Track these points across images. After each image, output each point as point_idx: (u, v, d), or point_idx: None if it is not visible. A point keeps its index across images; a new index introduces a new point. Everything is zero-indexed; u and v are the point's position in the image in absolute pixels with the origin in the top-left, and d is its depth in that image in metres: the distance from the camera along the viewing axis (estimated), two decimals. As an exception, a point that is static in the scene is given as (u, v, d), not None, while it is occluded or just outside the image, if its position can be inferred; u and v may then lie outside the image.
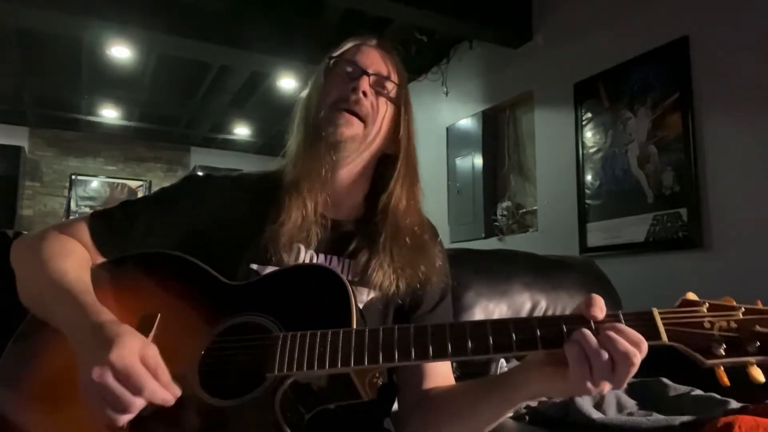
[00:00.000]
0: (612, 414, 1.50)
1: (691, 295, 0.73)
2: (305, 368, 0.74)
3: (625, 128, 3.12)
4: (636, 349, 0.68)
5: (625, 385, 0.69)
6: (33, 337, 0.88)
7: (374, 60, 1.03)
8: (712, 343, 0.68)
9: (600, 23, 3.32)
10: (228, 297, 0.87)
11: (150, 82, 5.76)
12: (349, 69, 1.01)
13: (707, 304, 0.70)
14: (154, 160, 7.98)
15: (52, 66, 5.46)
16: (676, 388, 1.59)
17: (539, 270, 1.91)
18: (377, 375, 0.78)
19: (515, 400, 0.80)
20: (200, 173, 1.09)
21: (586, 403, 1.46)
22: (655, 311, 0.71)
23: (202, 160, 7.87)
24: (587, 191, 3.32)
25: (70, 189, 7.51)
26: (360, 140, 0.98)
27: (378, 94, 1.01)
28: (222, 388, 0.77)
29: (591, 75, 3.32)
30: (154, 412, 0.73)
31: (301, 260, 0.96)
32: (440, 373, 0.98)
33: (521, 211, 3.99)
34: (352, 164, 1.00)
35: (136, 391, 0.69)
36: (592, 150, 3.32)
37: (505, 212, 4.04)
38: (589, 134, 3.35)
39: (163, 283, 0.89)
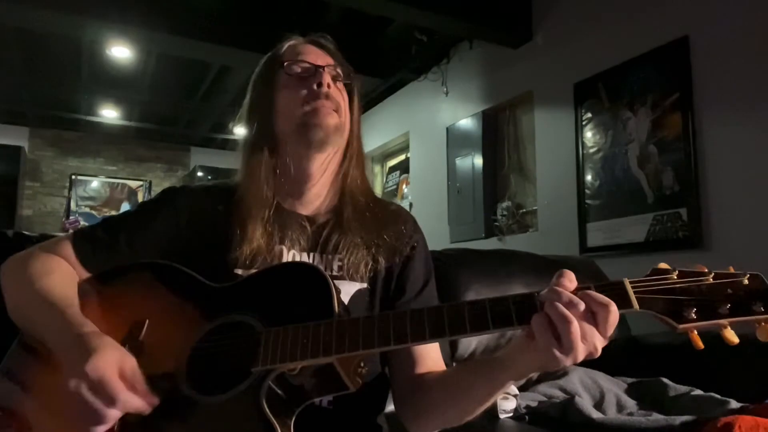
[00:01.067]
0: (612, 414, 1.50)
1: (663, 265, 0.74)
2: (288, 360, 0.75)
3: (625, 128, 3.12)
4: (603, 309, 0.68)
5: (599, 351, 0.69)
6: (32, 346, 0.90)
7: (317, 55, 1.04)
8: (683, 308, 0.69)
9: (600, 23, 3.32)
10: (213, 299, 0.88)
11: (150, 82, 5.76)
12: (301, 69, 1.02)
13: (677, 271, 0.71)
14: (154, 160, 7.98)
15: (52, 66, 5.46)
16: (676, 388, 1.59)
17: (539, 270, 1.91)
18: (361, 364, 0.79)
19: (502, 379, 0.81)
20: (177, 185, 1.12)
21: (586, 403, 1.47)
22: (626, 281, 0.72)
23: (202, 160, 7.87)
24: (587, 191, 3.32)
25: (70, 189, 7.51)
26: (341, 130, 1.01)
27: (336, 83, 1.03)
28: (210, 386, 0.79)
29: (591, 75, 3.32)
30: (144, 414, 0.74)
31: (285, 261, 0.98)
32: (430, 358, 1.00)
33: (521, 211, 3.99)
34: (326, 158, 1.02)
35: (110, 402, 0.71)
36: (592, 150, 3.32)
37: (505, 212, 4.04)
38: (589, 134, 3.35)
39: (150, 290, 0.92)
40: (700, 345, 0.69)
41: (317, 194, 1.04)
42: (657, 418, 1.35)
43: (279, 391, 0.77)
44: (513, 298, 0.72)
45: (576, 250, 3.29)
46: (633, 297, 0.70)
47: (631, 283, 0.72)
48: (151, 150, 7.94)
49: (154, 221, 1.01)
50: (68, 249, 0.97)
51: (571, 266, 2.20)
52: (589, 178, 3.32)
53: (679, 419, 1.27)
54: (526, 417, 1.48)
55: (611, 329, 0.68)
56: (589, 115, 3.35)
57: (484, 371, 0.84)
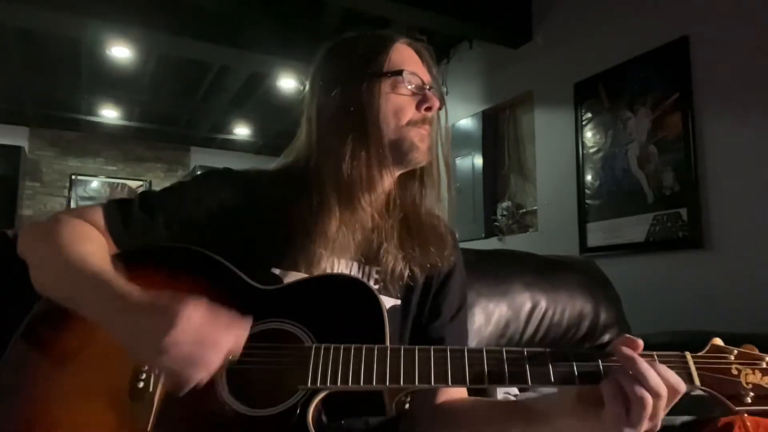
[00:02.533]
0: (612, 414, 1.50)
1: (718, 341, 0.76)
2: (339, 383, 0.73)
3: (625, 128, 3.12)
4: (674, 393, 0.68)
5: (658, 426, 0.70)
6: (46, 329, 0.83)
7: (425, 68, 1.00)
8: (741, 391, 0.71)
9: (600, 23, 3.32)
10: (257, 301, 0.84)
11: (150, 82, 5.76)
12: (412, 83, 0.97)
13: (735, 352, 0.74)
14: (154, 160, 7.98)
15: (52, 66, 5.46)
16: (676, 388, 1.58)
17: (539, 270, 1.90)
18: (407, 395, 0.79)
19: (539, 430, 0.78)
20: (220, 168, 1.03)
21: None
22: (688, 355, 0.73)
23: (202, 160, 7.87)
24: (587, 191, 3.32)
25: (70, 189, 7.51)
26: (432, 152, 0.99)
27: (439, 105, 1.00)
28: (250, 396, 0.76)
29: (591, 75, 3.32)
30: (180, 415, 0.72)
31: (322, 267, 0.92)
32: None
33: (521, 211, 3.99)
34: (424, 166, 1.00)
35: (213, 346, 0.69)
36: (592, 150, 3.32)
37: (505, 212, 4.03)
38: (589, 134, 3.35)
39: (188, 280, 0.85)
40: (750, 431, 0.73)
41: (385, 206, 0.99)
42: (657, 418, 1.34)
43: (321, 409, 0.76)
44: (575, 356, 0.72)
45: (576, 250, 3.29)
46: (696, 374, 0.72)
47: (693, 357, 0.73)
48: (151, 150, 7.93)
49: (193, 205, 0.94)
50: (99, 217, 0.89)
51: (571, 266, 2.19)
52: (589, 178, 3.32)
53: (679, 419, 1.27)
54: (526, 417, 1.48)
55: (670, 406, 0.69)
56: (589, 115, 3.35)
57: (526, 419, 0.80)
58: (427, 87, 0.98)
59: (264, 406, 0.75)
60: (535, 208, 3.82)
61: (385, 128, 0.94)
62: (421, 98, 0.97)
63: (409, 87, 0.96)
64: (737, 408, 0.70)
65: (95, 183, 7.68)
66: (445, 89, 4.63)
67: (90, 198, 7.57)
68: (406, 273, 0.95)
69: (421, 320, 0.99)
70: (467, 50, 4.44)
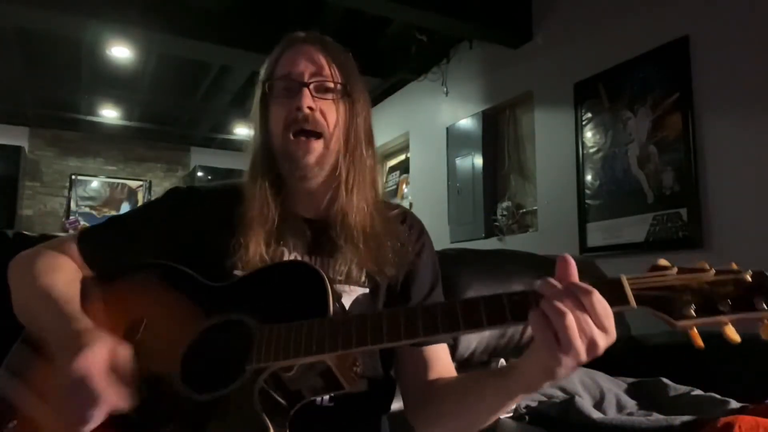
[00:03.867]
0: (612, 414, 1.50)
1: (663, 261, 0.72)
2: (281, 357, 0.75)
3: (625, 128, 3.12)
4: (587, 296, 0.66)
5: (600, 346, 0.67)
6: (34, 342, 0.89)
7: (308, 62, 0.98)
8: (682, 305, 0.67)
9: (600, 23, 3.32)
10: (210, 297, 0.89)
11: (150, 82, 5.76)
12: (286, 85, 0.97)
13: (677, 268, 0.69)
14: (154, 160, 7.98)
15: (52, 66, 5.46)
16: (676, 388, 1.59)
17: (539, 270, 1.90)
18: (356, 362, 0.79)
19: (512, 390, 0.79)
20: (183, 186, 1.11)
21: (586, 403, 1.47)
22: (623, 277, 0.70)
23: (202, 160, 7.87)
24: (587, 191, 3.32)
25: (70, 189, 7.51)
26: (324, 156, 0.97)
27: (323, 99, 0.97)
28: (205, 384, 0.79)
29: (591, 75, 3.32)
30: (134, 409, 0.74)
31: None
32: (440, 362, 0.99)
33: (521, 211, 3.99)
34: (321, 174, 0.99)
35: (92, 402, 0.70)
36: (592, 150, 3.32)
37: (505, 212, 4.04)
38: (589, 134, 3.35)
39: (150, 289, 0.92)
40: (700, 343, 0.67)
41: (319, 199, 1.02)
42: (657, 418, 1.35)
43: (273, 390, 0.77)
44: (508, 294, 0.71)
45: (576, 250, 3.29)
46: (630, 294, 0.68)
47: (629, 279, 0.70)
48: (151, 150, 7.94)
49: (159, 222, 1.01)
50: (73, 248, 0.98)
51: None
52: (589, 178, 3.32)
53: (679, 419, 1.27)
54: (526, 417, 1.48)
55: (605, 319, 0.66)
56: (589, 115, 3.35)
57: (495, 381, 0.83)
58: (306, 86, 0.95)
59: (217, 389, 0.77)
60: (535, 208, 3.82)
61: (266, 139, 0.99)
62: (290, 98, 0.96)
63: (282, 89, 0.97)
64: (679, 323, 0.66)
65: (95, 183, 7.68)
66: (444, 89, 4.63)
67: (90, 198, 7.57)
68: (372, 268, 0.97)
69: (392, 305, 1.01)
70: (467, 50, 4.44)
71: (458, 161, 4.43)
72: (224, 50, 4.28)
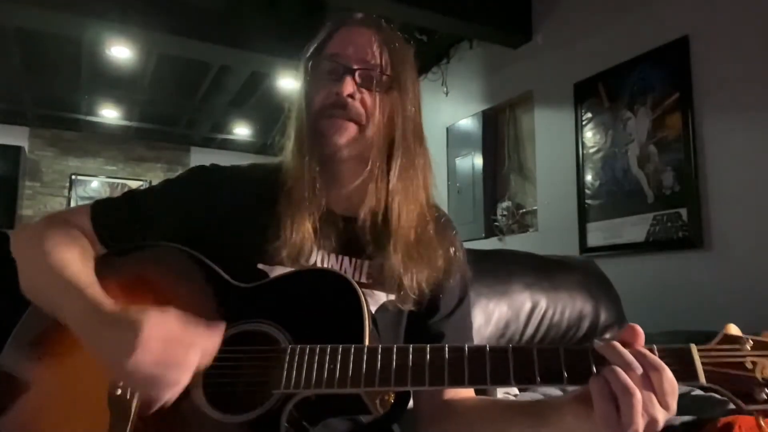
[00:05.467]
0: (612, 414, 1.50)
1: (733, 329, 0.65)
2: (313, 387, 0.70)
3: (625, 128, 3.12)
4: (656, 374, 0.61)
5: (660, 423, 0.63)
6: (36, 334, 0.85)
7: (359, 47, 0.92)
8: (754, 387, 0.61)
9: (600, 23, 3.32)
10: (235, 301, 0.82)
11: (150, 82, 5.76)
12: (332, 67, 0.91)
13: (751, 342, 0.64)
14: (154, 160, 7.98)
15: (52, 66, 5.46)
16: (676, 388, 1.58)
17: (539, 270, 1.90)
18: (389, 393, 0.74)
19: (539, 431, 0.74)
20: (207, 164, 1.03)
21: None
22: (693, 348, 0.64)
23: (202, 160, 7.80)
24: (587, 191, 3.32)
25: (70, 189, 7.51)
26: (358, 141, 0.90)
27: (368, 88, 0.91)
28: (227, 402, 0.74)
29: (591, 75, 3.32)
30: (157, 424, 0.71)
31: (312, 262, 0.90)
32: None
33: (521, 211, 3.99)
34: (355, 161, 0.91)
35: (180, 363, 0.68)
36: (592, 150, 3.32)
37: (505, 212, 4.03)
38: (589, 134, 3.35)
39: (169, 280, 0.86)
40: (766, 428, 0.62)
41: (352, 194, 0.94)
42: (657, 418, 1.34)
43: (297, 414, 0.73)
44: (565, 350, 0.65)
45: (576, 250, 3.29)
46: (700, 369, 0.63)
47: (699, 351, 0.64)
48: (151, 150, 7.93)
49: (179, 201, 0.94)
50: (85, 220, 0.91)
51: (571, 266, 2.19)
52: (589, 178, 3.32)
53: (679, 419, 1.27)
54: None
55: (670, 398, 0.61)
56: (589, 115, 3.35)
57: (529, 418, 0.77)
58: (351, 73, 0.90)
59: (240, 411, 0.73)
60: (535, 208, 3.82)
61: (306, 117, 0.92)
62: (333, 82, 0.90)
63: (326, 70, 0.91)
64: (748, 407, 0.61)
65: (95, 183, 7.68)
66: (444, 89, 4.63)
67: (90, 198, 7.57)
68: (403, 275, 0.89)
69: (419, 316, 0.95)
70: (467, 50, 4.44)
71: (458, 161, 4.43)
72: (224, 50, 4.28)
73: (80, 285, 0.78)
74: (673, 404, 0.63)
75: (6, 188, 6.79)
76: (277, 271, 0.87)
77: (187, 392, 0.72)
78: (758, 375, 0.62)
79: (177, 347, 0.68)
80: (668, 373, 0.61)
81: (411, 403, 0.96)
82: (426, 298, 0.93)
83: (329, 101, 0.90)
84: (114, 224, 0.92)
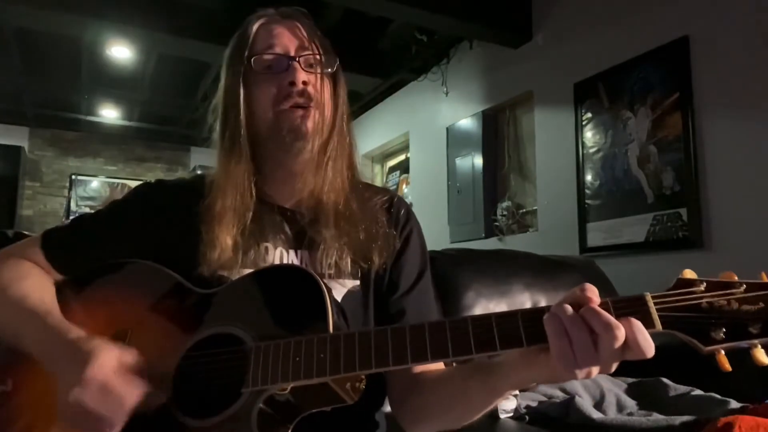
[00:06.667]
0: (612, 414, 1.50)
1: (689, 273, 0.66)
2: (280, 381, 0.70)
3: (625, 128, 3.12)
4: (606, 331, 0.61)
5: (613, 369, 0.63)
6: (7, 361, 0.86)
7: (290, 35, 0.93)
8: (711, 327, 0.61)
9: (600, 23, 3.32)
10: (198, 307, 0.83)
11: (150, 82, 5.76)
12: (271, 61, 0.91)
13: (705, 283, 0.64)
14: (154, 160, 7.98)
15: (52, 66, 5.46)
16: (676, 388, 1.59)
17: (539, 270, 1.91)
18: (360, 378, 0.74)
19: (502, 388, 0.75)
20: (152, 180, 1.04)
21: (586, 403, 1.46)
22: (648, 296, 0.64)
23: (202, 160, 7.87)
24: (587, 191, 3.32)
25: (70, 189, 7.51)
26: (320, 129, 0.91)
27: (313, 73, 0.91)
28: (198, 407, 0.74)
29: (591, 75, 3.32)
30: None
31: (270, 260, 0.91)
32: None
33: (521, 211, 3.99)
34: (308, 155, 0.92)
35: (118, 405, 0.69)
36: (592, 150, 3.32)
37: (505, 212, 4.04)
38: (589, 134, 3.35)
39: (132, 294, 0.87)
40: (728, 367, 0.61)
41: (300, 188, 0.95)
42: (657, 418, 1.35)
43: (270, 411, 0.73)
44: (522, 314, 0.66)
45: (576, 250, 3.29)
46: (656, 316, 0.62)
47: (653, 298, 0.64)
48: (151, 150, 7.94)
49: (126, 220, 0.95)
50: (37, 252, 0.92)
51: (571, 266, 2.19)
52: (589, 178, 3.32)
53: (679, 419, 1.27)
54: (526, 417, 1.48)
55: (622, 340, 0.60)
56: (589, 115, 3.35)
57: (482, 377, 0.78)
58: (295, 60, 0.90)
59: (211, 415, 0.73)
60: (535, 208, 3.82)
61: (251, 121, 0.91)
62: (277, 75, 0.90)
63: (267, 65, 0.91)
64: (706, 348, 0.61)
65: (95, 183, 7.68)
66: (444, 89, 4.63)
67: (90, 198, 7.57)
68: (360, 261, 0.91)
69: (381, 296, 0.96)
70: (467, 50, 4.44)
71: (458, 161, 4.43)
72: (224, 50, 4.27)
73: (40, 314, 0.80)
74: (616, 359, 0.62)
75: (6, 188, 6.79)
76: (240, 274, 0.87)
77: (156, 402, 0.74)
78: (714, 315, 0.62)
79: (115, 389, 0.69)
80: (620, 331, 0.60)
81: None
82: (386, 279, 0.95)
83: (284, 93, 0.89)
84: (66, 251, 0.93)
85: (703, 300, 0.63)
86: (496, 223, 4.08)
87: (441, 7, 3.58)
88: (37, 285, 0.87)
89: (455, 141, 4.51)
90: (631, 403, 1.58)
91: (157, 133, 7.57)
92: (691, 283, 0.65)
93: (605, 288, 2.02)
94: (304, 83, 0.89)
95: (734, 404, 1.42)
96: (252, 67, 0.91)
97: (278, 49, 0.91)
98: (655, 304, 0.63)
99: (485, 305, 1.72)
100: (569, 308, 0.63)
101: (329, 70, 0.94)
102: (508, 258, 1.98)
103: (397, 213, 1.01)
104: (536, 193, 3.78)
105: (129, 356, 0.73)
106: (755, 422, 1.10)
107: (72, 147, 7.56)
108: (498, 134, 4.26)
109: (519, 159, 4.10)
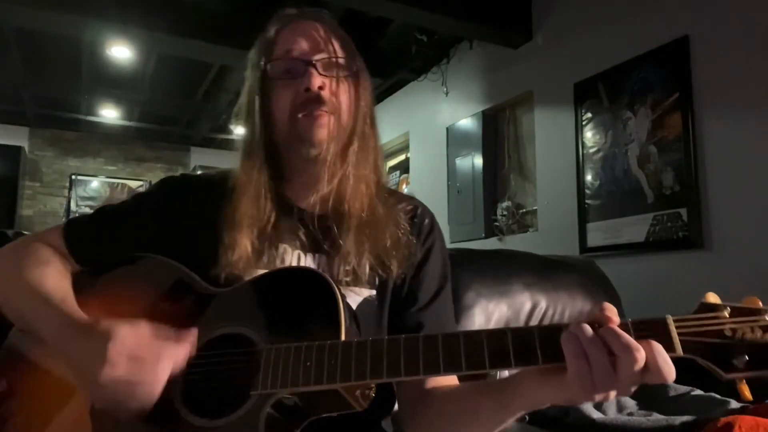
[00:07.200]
0: (612, 414, 1.50)
1: (712, 297, 0.64)
2: (290, 385, 0.70)
3: (625, 128, 3.12)
4: (626, 354, 0.60)
5: (630, 393, 0.62)
6: (19, 350, 0.87)
7: (310, 38, 0.90)
8: (733, 354, 0.60)
9: (600, 23, 3.32)
10: (211, 305, 0.82)
11: (150, 82, 5.76)
12: (288, 66, 0.89)
13: (729, 309, 0.62)
14: (154, 160, 7.98)
15: (52, 66, 5.46)
16: (676, 388, 1.59)
17: (539, 270, 1.91)
18: (370, 386, 0.73)
19: (515, 408, 0.74)
20: (176, 175, 1.04)
21: (586, 403, 1.47)
22: (669, 319, 0.63)
23: (202, 160, 7.87)
24: (587, 191, 3.32)
25: (70, 189, 7.51)
26: (336, 133, 0.89)
27: (331, 77, 0.89)
28: (206, 407, 0.74)
29: (591, 75, 3.32)
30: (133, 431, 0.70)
31: (287, 263, 0.90)
32: None
33: (521, 211, 3.99)
34: (329, 160, 0.90)
35: (151, 375, 0.69)
36: (592, 150, 3.32)
37: (505, 212, 4.04)
38: (589, 134, 3.35)
39: (146, 291, 0.87)
40: (749, 396, 0.61)
41: (320, 192, 0.93)
42: (657, 418, 1.35)
43: (278, 415, 0.72)
44: (539, 330, 0.64)
45: (576, 250, 3.29)
46: (677, 340, 0.61)
47: (675, 321, 0.63)
48: (151, 150, 7.94)
49: (149, 214, 0.94)
50: (59, 240, 0.92)
51: (571, 266, 2.19)
52: (589, 178, 3.32)
53: (679, 419, 1.27)
54: (526, 417, 1.48)
55: (642, 363, 0.59)
56: (589, 115, 3.35)
57: (495, 395, 0.77)
58: (312, 65, 0.88)
59: (220, 415, 0.73)
60: (535, 208, 3.82)
61: (268, 127, 0.90)
62: (295, 79, 0.88)
63: (283, 71, 0.89)
64: (727, 375, 0.60)
65: (95, 183, 7.68)
66: (444, 89, 4.63)
67: (90, 198, 7.57)
68: (379, 269, 0.90)
69: (398, 308, 0.94)
70: (467, 50, 4.44)
71: (458, 161, 4.43)
72: (224, 50, 4.28)
73: (55, 300, 0.80)
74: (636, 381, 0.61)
75: (6, 188, 6.80)
76: (255, 273, 0.87)
77: (166, 399, 0.73)
78: (737, 342, 0.60)
79: (145, 363, 0.69)
80: (641, 354, 0.59)
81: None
82: (404, 290, 0.93)
83: (299, 100, 0.88)
84: (87, 242, 0.93)
85: (726, 326, 0.61)
86: (496, 223, 4.08)
87: (441, 7, 3.58)
88: (55, 272, 0.87)
89: (455, 141, 4.51)
90: (631, 403, 1.58)
91: (157, 133, 7.57)
92: (714, 307, 0.63)
93: (605, 288, 2.02)
94: (320, 88, 0.88)
95: (734, 404, 1.42)
96: (270, 71, 0.91)
97: (295, 53, 0.90)
98: (677, 327, 0.62)
99: (485, 305, 1.72)
100: (588, 327, 0.62)
101: (348, 72, 0.92)
102: (508, 258, 1.98)
103: (420, 223, 0.99)
104: (536, 193, 3.78)
105: (143, 326, 0.73)
106: (755, 422, 1.10)
107: (72, 147, 7.56)
108: (498, 134, 4.26)
109: (519, 159, 4.10)
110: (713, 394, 1.50)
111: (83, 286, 0.88)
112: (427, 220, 1.01)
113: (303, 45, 0.90)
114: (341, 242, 0.89)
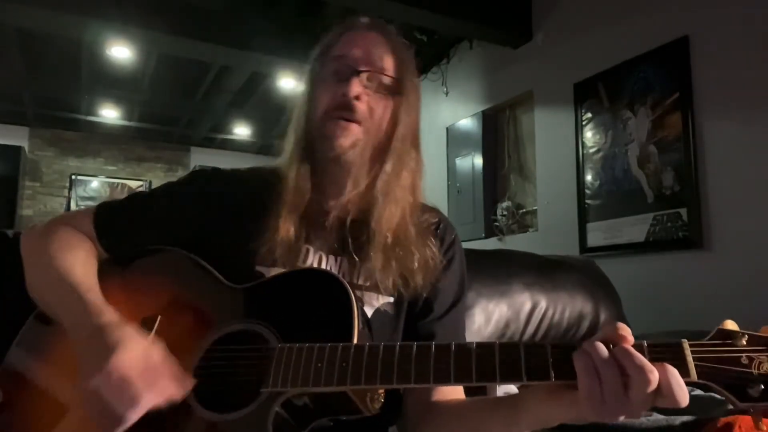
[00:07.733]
0: (612, 414, 1.50)
1: (729, 324, 0.63)
2: (299, 384, 0.70)
3: (625, 128, 3.12)
4: (639, 374, 0.59)
5: (640, 415, 0.62)
6: (39, 335, 0.88)
7: (365, 49, 0.93)
8: (749, 383, 0.59)
9: (600, 23, 3.32)
10: (228, 301, 0.84)
11: (150, 82, 5.76)
12: (338, 68, 0.92)
13: (746, 337, 0.61)
14: (154, 160, 7.98)
15: (52, 66, 5.46)
16: (676, 388, 1.58)
17: (539, 270, 1.90)
18: (379, 392, 0.73)
19: (523, 423, 0.73)
20: (208, 167, 1.05)
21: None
22: (685, 343, 0.61)
23: (202, 160, 7.87)
24: (587, 191, 3.32)
25: (70, 189, 7.51)
26: (361, 143, 0.91)
27: (373, 90, 0.92)
28: (217, 401, 0.75)
29: (591, 75, 3.32)
30: (146, 423, 0.70)
31: (309, 263, 0.92)
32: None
33: (521, 211, 3.99)
34: (357, 163, 0.92)
35: (131, 403, 0.68)
36: (592, 150, 3.32)
37: (505, 212, 4.04)
38: (589, 134, 3.35)
39: (167, 282, 0.88)
40: (765, 429, 0.60)
41: (350, 196, 0.95)
42: (657, 418, 1.34)
43: (287, 414, 0.73)
44: (552, 346, 0.64)
45: (576, 250, 3.29)
46: (692, 365, 0.60)
47: (691, 346, 0.61)
48: (151, 150, 7.94)
49: (181, 205, 0.96)
50: (88, 224, 0.93)
51: (571, 266, 2.18)
52: (589, 178, 3.32)
53: (679, 419, 1.27)
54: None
55: (655, 385, 0.58)
56: (589, 115, 3.35)
57: (503, 411, 0.76)
58: (357, 74, 0.90)
59: (230, 410, 0.73)
60: (535, 208, 3.82)
61: (309, 120, 0.93)
62: (339, 83, 0.91)
63: (332, 70, 0.92)
64: (741, 404, 0.59)
65: (95, 183, 7.68)
66: (444, 89, 4.63)
67: (90, 198, 7.57)
68: (399, 280, 0.90)
69: (414, 317, 0.95)
70: (467, 50, 4.44)
71: (458, 161, 4.43)
72: (224, 50, 4.28)
73: (79, 290, 0.81)
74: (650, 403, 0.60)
75: (6, 188, 6.80)
76: (274, 272, 0.88)
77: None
78: (754, 371, 0.60)
79: (131, 389, 0.68)
80: (654, 375, 0.59)
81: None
82: (420, 301, 0.94)
83: (335, 102, 0.90)
84: (116, 228, 0.94)
85: (743, 355, 0.61)
86: (496, 223, 4.08)
87: (441, 7, 3.58)
88: (82, 259, 0.88)
89: (455, 141, 4.51)
90: (631, 403, 1.58)
91: (157, 133, 7.57)
92: (731, 335, 0.62)
93: (605, 288, 2.02)
94: (357, 98, 0.89)
95: (734, 404, 1.42)
96: (321, 68, 0.94)
97: (348, 60, 0.92)
98: (693, 352, 0.61)
99: (485, 305, 1.72)
100: (601, 346, 0.61)
101: (391, 91, 0.93)
102: (508, 258, 1.97)
103: (442, 236, 1.00)
104: (536, 193, 3.78)
105: (156, 352, 0.72)
106: (753, 422, 1.09)
107: (72, 147, 7.56)
108: (498, 134, 4.26)
109: (519, 159, 4.10)
110: (713, 394, 1.50)
111: (107, 275, 0.89)
112: (448, 234, 1.02)
113: (357, 53, 0.92)
114: (370, 253, 0.90)
